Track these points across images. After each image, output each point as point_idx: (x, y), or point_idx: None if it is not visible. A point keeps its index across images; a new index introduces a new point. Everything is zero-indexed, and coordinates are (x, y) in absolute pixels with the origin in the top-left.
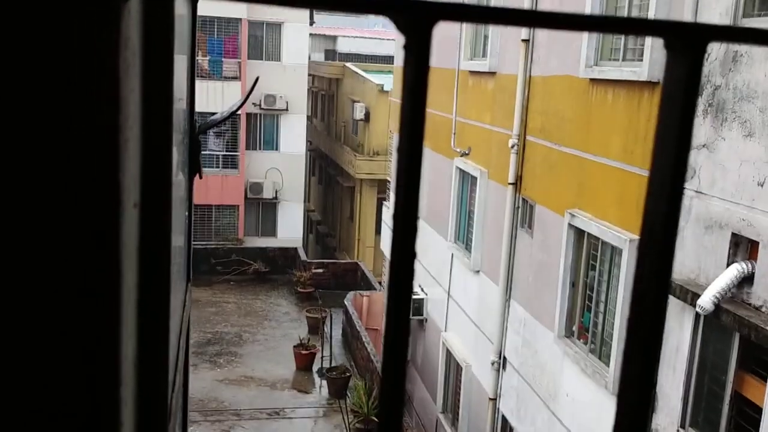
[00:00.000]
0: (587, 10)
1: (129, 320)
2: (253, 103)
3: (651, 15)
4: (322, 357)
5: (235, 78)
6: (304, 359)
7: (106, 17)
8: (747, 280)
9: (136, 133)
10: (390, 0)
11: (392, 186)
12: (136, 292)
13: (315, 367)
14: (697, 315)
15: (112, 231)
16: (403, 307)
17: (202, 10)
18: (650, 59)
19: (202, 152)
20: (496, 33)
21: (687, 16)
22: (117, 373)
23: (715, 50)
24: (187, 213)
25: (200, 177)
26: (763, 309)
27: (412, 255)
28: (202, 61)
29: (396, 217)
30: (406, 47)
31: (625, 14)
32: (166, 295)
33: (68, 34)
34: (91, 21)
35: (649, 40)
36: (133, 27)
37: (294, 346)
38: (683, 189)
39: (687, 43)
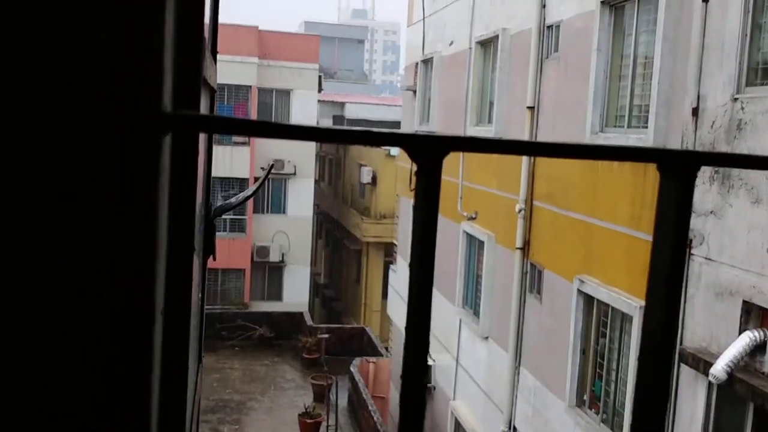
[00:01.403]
0: (589, 98)
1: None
2: (262, 168)
3: (653, 91)
4: (327, 426)
5: (244, 144)
6: (309, 428)
7: (150, 149)
8: (759, 348)
9: (163, 246)
10: (403, 135)
11: (409, 292)
12: (158, 398)
13: None
14: (710, 384)
15: (145, 341)
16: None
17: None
18: (655, 126)
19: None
20: (501, 99)
21: (690, 87)
22: None
23: (719, 117)
24: (200, 294)
25: (214, 259)
26: None
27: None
28: None
29: (408, 331)
30: (417, 174)
31: (629, 92)
32: (184, 394)
33: (113, 166)
34: (137, 152)
35: (653, 106)
36: (165, 155)
37: (299, 415)
38: (678, 310)
39: (678, 167)
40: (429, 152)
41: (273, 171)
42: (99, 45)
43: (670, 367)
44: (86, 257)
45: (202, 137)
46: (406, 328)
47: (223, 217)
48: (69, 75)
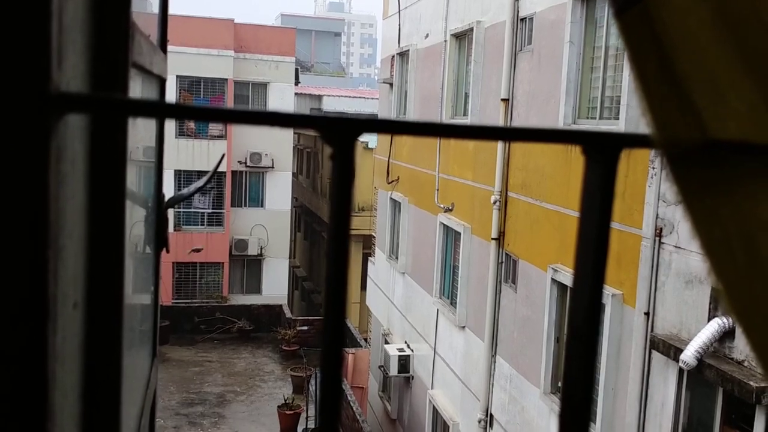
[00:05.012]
0: (562, 89)
1: (66, 424)
2: (239, 161)
3: (625, 82)
4: (307, 417)
5: (220, 137)
6: (289, 420)
7: (35, 135)
8: (728, 334)
9: (77, 235)
10: (317, 118)
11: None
12: (78, 396)
13: (300, 428)
14: (681, 370)
15: (39, 335)
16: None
17: (189, 70)
18: (626, 117)
19: (188, 210)
20: (476, 91)
21: None
22: None
23: None
24: (153, 288)
25: (167, 251)
26: (745, 363)
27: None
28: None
29: (326, 306)
30: (332, 157)
31: (601, 83)
32: (117, 391)
33: None
34: (16, 140)
35: (625, 97)
36: (72, 133)
37: (278, 407)
38: (602, 290)
39: (602, 151)
40: (341, 134)
41: (251, 164)
42: None
43: (595, 348)
44: None
45: (148, 124)
46: (324, 320)
47: (201, 211)
48: None
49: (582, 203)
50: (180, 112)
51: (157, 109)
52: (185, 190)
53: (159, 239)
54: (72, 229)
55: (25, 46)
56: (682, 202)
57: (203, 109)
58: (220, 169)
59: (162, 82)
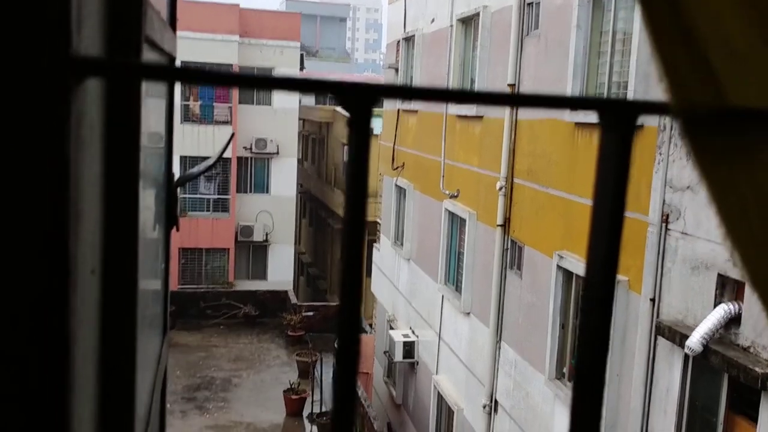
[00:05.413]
0: (569, 74)
1: (84, 386)
2: (244, 147)
3: (632, 66)
4: (312, 402)
5: (226, 122)
6: (295, 404)
7: (56, 100)
8: (734, 320)
9: (95, 202)
10: (334, 83)
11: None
12: (96, 358)
13: (305, 412)
14: (686, 356)
15: (60, 298)
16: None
17: (193, 56)
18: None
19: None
20: (482, 77)
21: None
22: None
23: None
24: (164, 265)
25: (177, 230)
26: (751, 350)
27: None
28: (194, 105)
29: (343, 276)
30: (349, 123)
31: (608, 68)
32: (132, 360)
33: (15, 114)
34: (39, 103)
35: (632, 82)
36: (90, 100)
37: (284, 391)
38: (616, 268)
39: (618, 118)
40: (359, 100)
41: (256, 150)
42: None
43: (609, 318)
44: None
45: (158, 107)
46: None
47: (206, 196)
48: None
49: (597, 172)
50: (195, 76)
51: (173, 74)
52: (195, 169)
53: (169, 217)
54: (90, 196)
55: (48, 10)
56: (698, 168)
57: (220, 74)
58: (225, 156)
59: (172, 60)
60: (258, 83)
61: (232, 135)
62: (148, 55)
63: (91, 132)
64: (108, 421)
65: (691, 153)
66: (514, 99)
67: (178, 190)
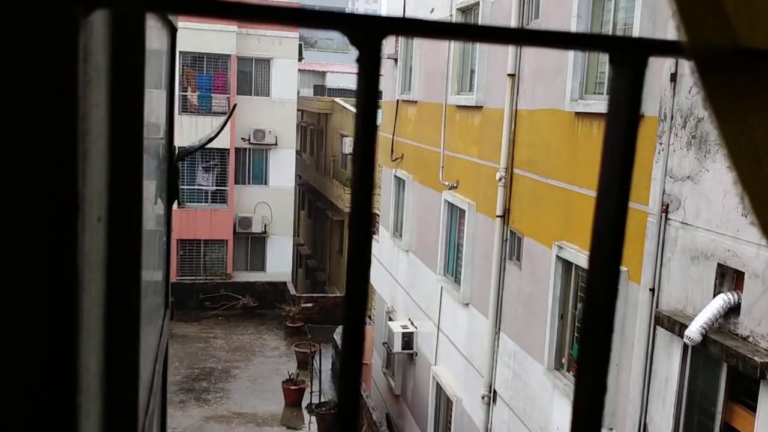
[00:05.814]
0: (569, 65)
1: (92, 332)
2: (242, 138)
3: (636, 23)
4: (311, 392)
5: (224, 113)
6: (294, 395)
7: (63, 31)
8: (734, 310)
9: (100, 147)
10: (342, 15)
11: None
12: (102, 305)
13: (304, 403)
14: (686, 346)
15: (69, 241)
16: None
17: (192, 46)
18: None
19: (192, 188)
20: (482, 68)
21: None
22: (74, 380)
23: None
24: (165, 239)
25: (179, 205)
26: (750, 339)
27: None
28: (192, 96)
29: (352, 217)
30: (358, 60)
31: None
32: (136, 308)
33: (23, 46)
34: (47, 34)
35: None
36: (96, 42)
37: (283, 382)
38: (627, 203)
39: (629, 56)
40: (368, 33)
41: (254, 141)
42: None
43: (617, 274)
44: None
45: (159, 96)
46: (350, 218)
47: (204, 188)
48: None
49: (608, 113)
50: (201, 5)
51: (181, 3)
52: (196, 142)
53: (171, 190)
54: (96, 138)
55: None
56: (710, 108)
57: (225, 4)
58: (223, 146)
59: (173, 31)
60: (266, 15)
61: (234, 106)
62: (151, 26)
63: (97, 75)
64: (115, 371)
65: (703, 91)
66: (522, 34)
67: (179, 165)
